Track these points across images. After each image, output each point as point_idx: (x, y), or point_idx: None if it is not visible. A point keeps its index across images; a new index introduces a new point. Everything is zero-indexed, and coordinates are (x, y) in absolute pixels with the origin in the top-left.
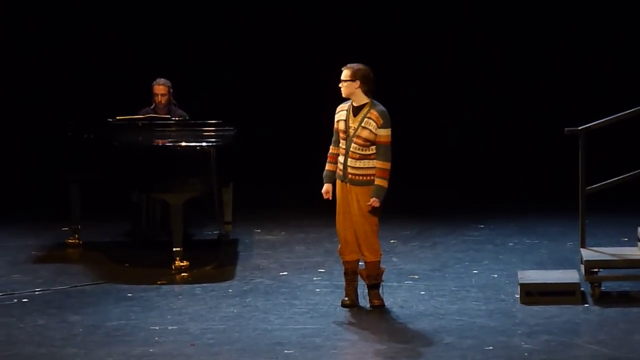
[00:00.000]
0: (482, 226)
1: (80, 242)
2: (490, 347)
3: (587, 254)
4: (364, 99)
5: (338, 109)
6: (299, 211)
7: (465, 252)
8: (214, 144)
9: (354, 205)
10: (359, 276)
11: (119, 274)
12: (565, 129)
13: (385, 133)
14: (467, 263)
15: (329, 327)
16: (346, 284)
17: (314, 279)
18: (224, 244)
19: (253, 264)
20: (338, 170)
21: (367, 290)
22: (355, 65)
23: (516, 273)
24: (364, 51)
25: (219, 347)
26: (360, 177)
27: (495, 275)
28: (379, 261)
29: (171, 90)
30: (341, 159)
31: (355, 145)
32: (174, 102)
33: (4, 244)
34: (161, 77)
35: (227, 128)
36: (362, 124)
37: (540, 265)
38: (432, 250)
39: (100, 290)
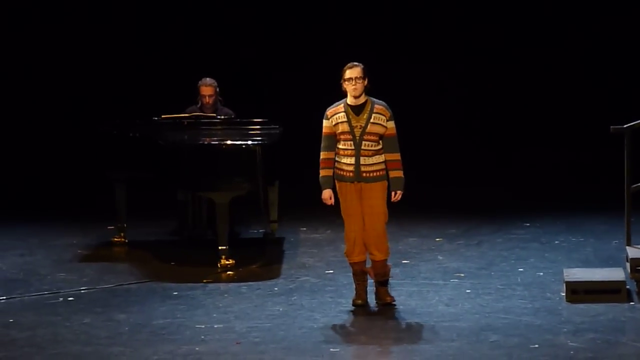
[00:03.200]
0: (528, 224)
1: (126, 241)
2: (536, 346)
3: (632, 252)
4: (364, 97)
5: (330, 112)
6: None
7: (511, 251)
8: (260, 142)
9: (369, 203)
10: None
11: (165, 272)
12: (611, 127)
13: (393, 125)
14: (513, 261)
15: (375, 325)
16: (356, 284)
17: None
18: (269, 242)
19: (299, 262)
20: (343, 173)
21: (375, 289)
22: (360, 64)
23: (562, 271)
24: (407, 49)
25: (265, 346)
26: (376, 173)
27: (541, 274)
28: (387, 259)
29: (217, 90)
30: (349, 160)
31: (367, 143)
32: (220, 99)
33: (50, 242)
34: (207, 77)
35: (273, 126)
36: (372, 120)
37: (586, 264)
38: (478, 249)
39: (146, 289)
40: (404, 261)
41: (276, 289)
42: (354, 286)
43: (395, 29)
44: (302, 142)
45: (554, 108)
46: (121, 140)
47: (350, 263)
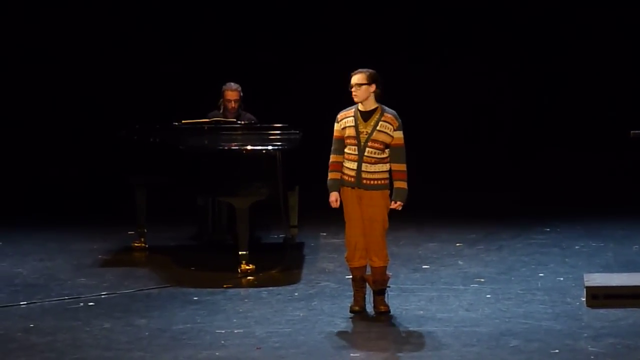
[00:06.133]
0: (548, 229)
1: (146, 246)
2: (557, 351)
3: None
4: (374, 104)
5: (340, 116)
6: None
7: (532, 256)
8: (280, 147)
9: (368, 211)
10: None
11: (185, 277)
12: (631, 132)
13: (400, 135)
14: (533, 266)
15: (395, 331)
16: (355, 290)
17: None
18: (289, 247)
19: (319, 268)
20: (346, 177)
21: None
22: (368, 70)
23: (582, 276)
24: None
25: (285, 351)
26: (376, 182)
27: (562, 279)
28: (386, 267)
29: (242, 95)
30: (352, 165)
31: (370, 150)
32: (242, 105)
33: (70, 247)
34: (231, 82)
35: (293, 131)
36: (378, 128)
37: (606, 268)
38: (498, 254)
39: (166, 294)
40: (424, 266)
41: (296, 294)
42: (353, 293)
43: (415, 31)
44: (322, 146)
45: (573, 112)
46: (141, 146)
47: (350, 268)
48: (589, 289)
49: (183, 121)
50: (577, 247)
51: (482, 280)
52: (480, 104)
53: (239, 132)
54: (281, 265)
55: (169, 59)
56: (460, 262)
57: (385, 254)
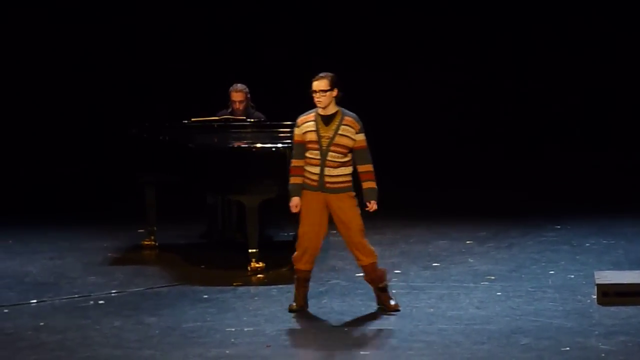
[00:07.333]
0: (559, 227)
1: (156, 244)
2: (567, 348)
3: None
4: (334, 108)
5: (300, 120)
6: (373, 212)
7: (542, 253)
8: (290, 145)
9: (341, 216)
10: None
11: (195, 275)
12: None
13: (362, 137)
14: (543, 264)
15: (405, 328)
16: (296, 289)
17: (390, 280)
18: None
19: (329, 265)
20: (309, 181)
21: (376, 296)
22: (328, 74)
23: (593, 274)
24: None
25: (295, 349)
26: (340, 185)
27: (572, 276)
28: (376, 262)
29: (248, 95)
30: (314, 169)
31: (333, 154)
32: (252, 104)
33: (80, 245)
34: (238, 82)
35: None
36: (340, 132)
37: (617, 266)
38: (509, 251)
39: (176, 292)
40: (434, 264)
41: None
42: (294, 291)
43: (426, 28)
44: None
45: (584, 111)
46: (151, 144)
47: (295, 268)
48: (599, 286)
49: (193, 119)
50: (587, 244)
51: (493, 277)
52: (490, 102)
53: (249, 130)
54: (291, 263)
55: (179, 56)
56: (470, 260)
57: (370, 250)
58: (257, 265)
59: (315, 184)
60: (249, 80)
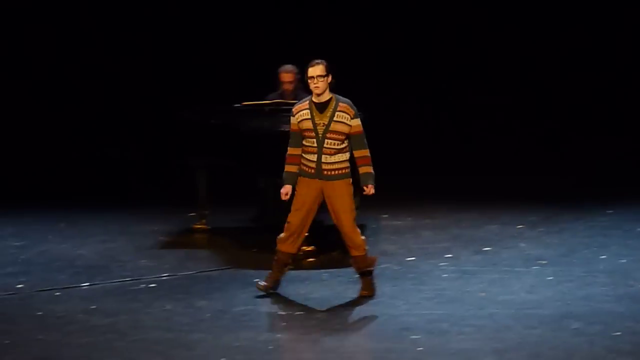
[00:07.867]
0: (611, 211)
1: (208, 228)
2: (618, 333)
3: None
4: (328, 95)
5: (295, 109)
6: (424, 197)
7: (593, 238)
8: None
9: (335, 203)
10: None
11: (246, 259)
12: None
13: (358, 123)
14: (594, 248)
15: (456, 313)
16: (274, 270)
17: (441, 264)
18: None
19: (380, 249)
20: (306, 169)
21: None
22: (322, 61)
23: None
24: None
25: (345, 333)
26: (337, 172)
27: (624, 261)
28: (365, 253)
29: (298, 76)
30: (311, 157)
31: (330, 141)
32: (302, 86)
33: (131, 229)
34: (288, 64)
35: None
36: (335, 119)
37: None
38: (560, 236)
39: (227, 276)
40: (485, 248)
41: (357, 276)
42: (271, 271)
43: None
44: (384, 128)
45: (633, 93)
46: (202, 128)
47: (277, 249)
48: None
49: (243, 103)
50: (639, 229)
51: (544, 262)
52: (539, 86)
53: None
54: (342, 247)
55: (232, 41)
56: (521, 244)
57: (360, 241)
58: (308, 249)
59: (312, 171)
60: (300, 64)
